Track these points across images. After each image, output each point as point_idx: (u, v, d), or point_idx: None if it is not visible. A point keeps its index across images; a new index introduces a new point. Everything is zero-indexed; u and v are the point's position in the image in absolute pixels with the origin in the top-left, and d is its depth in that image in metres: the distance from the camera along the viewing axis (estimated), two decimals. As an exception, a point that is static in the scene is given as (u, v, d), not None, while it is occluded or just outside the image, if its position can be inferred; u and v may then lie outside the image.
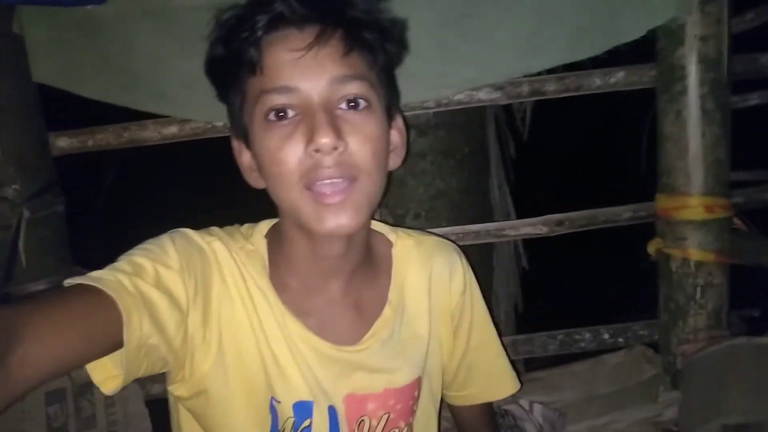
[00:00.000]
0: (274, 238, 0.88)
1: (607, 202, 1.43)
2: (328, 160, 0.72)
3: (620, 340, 1.46)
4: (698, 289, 1.30)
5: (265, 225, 0.90)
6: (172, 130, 1.35)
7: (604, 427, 1.34)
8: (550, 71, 1.35)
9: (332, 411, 0.85)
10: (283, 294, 0.84)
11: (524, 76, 1.33)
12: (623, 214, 1.41)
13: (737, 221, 1.32)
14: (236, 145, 0.85)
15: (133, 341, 0.66)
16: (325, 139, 0.71)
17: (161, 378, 1.43)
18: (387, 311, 0.90)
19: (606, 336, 1.47)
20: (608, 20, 1.22)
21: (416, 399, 0.92)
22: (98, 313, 0.63)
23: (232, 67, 0.77)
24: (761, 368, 1.12)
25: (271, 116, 0.74)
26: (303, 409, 0.83)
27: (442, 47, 1.28)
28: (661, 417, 1.31)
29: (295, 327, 0.83)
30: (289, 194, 0.75)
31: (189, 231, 0.82)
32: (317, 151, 0.71)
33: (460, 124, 1.62)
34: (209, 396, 0.80)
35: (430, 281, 0.93)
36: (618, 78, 1.34)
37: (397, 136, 0.87)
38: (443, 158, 1.61)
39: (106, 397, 1.34)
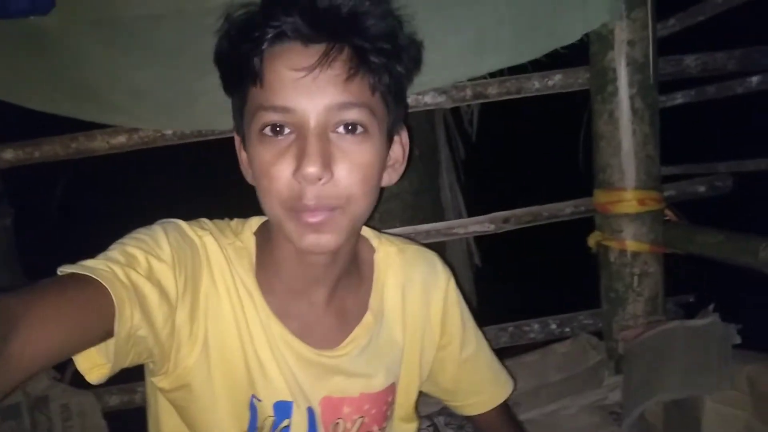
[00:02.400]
0: (263, 236, 0.88)
1: (553, 199, 1.50)
2: (310, 192, 0.72)
3: (567, 329, 1.53)
4: (635, 278, 1.38)
5: (255, 222, 0.90)
6: (121, 139, 1.35)
7: (554, 413, 1.40)
8: (492, 75, 1.41)
9: (311, 412, 0.86)
10: (268, 295, 0.85)
11: (468, 80, 1.38)
12: (565, 209, 1.48)
13: (669, 213, 1.41)
14: (237, 139, 0.85)
15: (123, 332, 0.66)
16: (311, 169, 0.70)
17: (119, 390, 1.44)
18: (368, 318, 0.91)
19: (554, 326, 1.54)
20: (547, 25, 1.28)
21: (390, 404, 0.94)
22: (93, 303, 0.63)
23: (236, 70, 0.76)
24: (693, 348, 1.20)
25: (267, 131, 0.73)
26: (283, 409, 0.84)
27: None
28: (606, 400, 1.38)
29: (277, 329, 0.84)
30: (275, 210, 0.76)
31: (182, 223, 0.82)
32: (303, 178, 0.71)
33: (410, 127, 1.66)
34: (191, 390, 0.81)
35: (404, 289, 0.94)
36: (555, 81, 1.41)
37: (398, 151, 0.87)
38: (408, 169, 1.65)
39: (63, 411, 1.33)
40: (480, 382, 1.05)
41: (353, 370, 0.88)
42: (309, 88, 0.71)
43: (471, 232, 1.49)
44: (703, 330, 1.22)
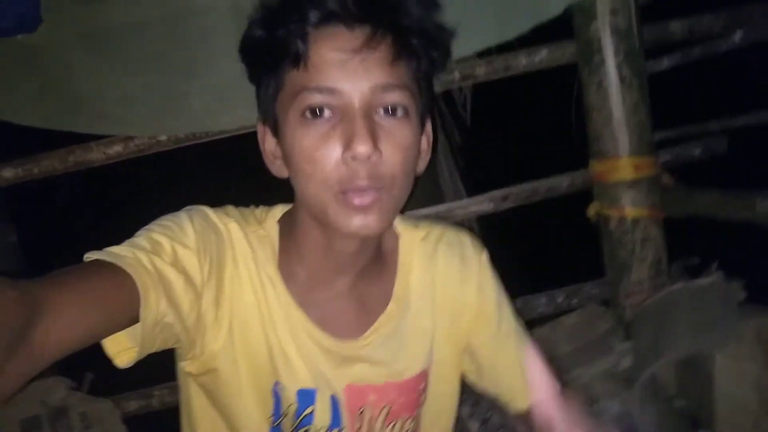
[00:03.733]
0: (287, 224, 0.87)
1: (551, 173, 1.51)
2: (363, 171, 0.72)
3: (574, 301, 1.54)
4: (637, 244, 1.39)
5: (279, 210, 0.89)
6: (117, 149, 1.36)
7: (568, 383, 1.41)
8: (479, 56, 1.41)
9: (334, 400, 0.86)
10: (290, 283, 0.84)
11: (455, 63, 1.39)
12: (563, 183, 1.49)
13: (665, 178, 1.42)
14: (261, 129, 0.84)
15: (150, 318, 0.66)
16: (362, 148, 0.70)
17: (137, 395, 1.46)
18: (391, 307, 0.89)
19: (560, 299, 1.55)
20: (528, 1, 1.30)
21: (422, 391, 0.92)
22: (117, 290, 0.63)
23: (274, 54, 0.75)
24: (698, 307, 1.21)
25: (308, 114, 0.73)
26: (306, 397, 0.84)
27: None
28: (618, 367, 1.39)
29: (298, 318, 0.84)
30: (320, 194, 0.74)
31: (207, 209, 0.82)
32: (353, 158, 0.71)
33: (434, 117, 1.67)
34: (218, 374, 0.81)
35: (435, 274, 0.92)
36: (542, 56, 1.42)
37: (425, 141, 0.86)
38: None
39: (82, 419, 1.35)
40: (522, 368, 0.96)
41: (377, 358, 0.87)
42: (356, 70, 0.72)
43: (471, 212, 1.50)
44: (707, 288, 1.23)
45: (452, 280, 0.92)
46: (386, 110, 0.74)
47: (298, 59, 0.73)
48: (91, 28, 1.26)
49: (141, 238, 0.72)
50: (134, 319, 0.65)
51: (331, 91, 0.72)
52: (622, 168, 1.35)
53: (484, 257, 0.95)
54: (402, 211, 1.46)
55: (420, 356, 0.90)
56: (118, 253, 0.67)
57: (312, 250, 0.84)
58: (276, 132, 0.80)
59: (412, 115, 0.76)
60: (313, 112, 0.73)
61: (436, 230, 0.95)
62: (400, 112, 0.74)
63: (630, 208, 1.37)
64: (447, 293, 0.92)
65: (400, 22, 0.75)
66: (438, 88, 1.44)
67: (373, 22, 0.73)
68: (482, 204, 1.50)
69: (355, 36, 0.72)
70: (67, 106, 1.29)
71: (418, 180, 0.84)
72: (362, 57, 0.72)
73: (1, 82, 1.26)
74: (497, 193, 1.49)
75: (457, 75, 1.41)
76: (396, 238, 0.93)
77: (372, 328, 0.88)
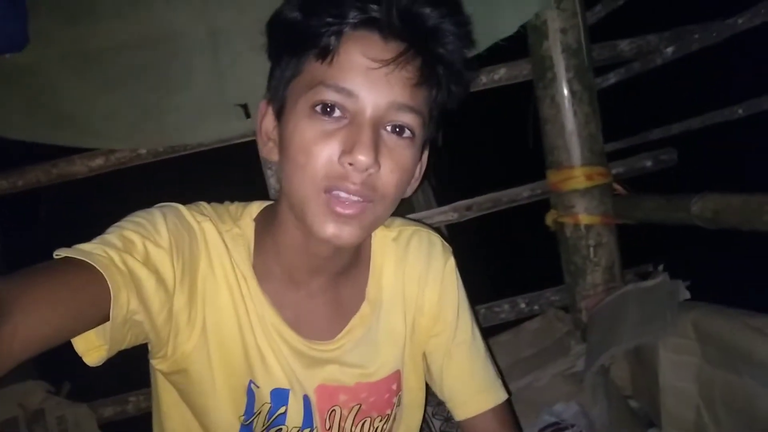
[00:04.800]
0: (264, 221, 0.86)
1: (515, 185, 1.59)
2: (357, 177, 0.71)
3: (536, 307, 1.61)
4: (591, 249, 1.47)
5: (256, 207, 0.88)
6: (98, 162, 1.43)
7: (527, 386, 1.47)
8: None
9: (306, 400, 0.86)
10: (264, 283, 0.84)
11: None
12: (523, 193, 1.57)
13: (617, 187, 1.50)
14: (264, 108, 0.83)
15: (120, 317, 0.65)
16: (363, 158, 0.70)
17: (112, 402, 1.50)
18: (365, 308, 0.90)
19: (523, 305, 1.61)
20: (485, 20, 1.37)
21: (395, 392, 0.92)
22: (88, 289, 0.63)
23: (302, 41, 0.74)
24: (643, 304, 1.27)
25: (318, 108, 0.72)
26: (280, 397, 0.85)
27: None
28: (574, 368, 1.45)
29: (271, 318, 0.84)
30: (305, 188, 0.73)
31: (181, 207, 0.81)
32: (351, 164, 0.71)
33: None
34: (189, 374, 0.81)
35: (404, 273, 0.92)
36: (501, 74, 1.52)
37: (418, 170, 0.86)
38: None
39: (59, 423, 1.39)
40: (468, 378, 0.97)
41: (348, 360, 0.88)
42: (380, 81, 0.72)
43: (436, 222, 1.58)
44: (653, 288, 1.30)
45: (418, 279, 0.93)
46: (394, 128, 0.74)
47: (326, 53, 0.72)
48: (75, 48, 1.35)
49: (112, 235, 0.71)
50: (104, 317, 0.65)
51: (349, 93, 0.72)
52: (576, 177, 1.43)
53: (451, 262, 0.96)
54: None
55: (392, 357, 0.91)
56: (89, 250, 0.66)
57: (289, 247, 0.83)
58: (279, 115, 0.79)
59: (417, 141, 0.76)
60: (324, 108, 0.72)
61: (408, 230, 0.95)
62: (406, 134, 0.75)
63: (583, 215, 1.45)
64: (412, 293, 0.93)
65: (434, 48, 0.75)
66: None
67: (409, 39, 0.73)
68: (447, 214, 1.57)
69: (388, 48, 0.72)
70: (52, 120, 1.37)
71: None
72: (388, 71, 0.72)
73: (-11, 99, 1.34)
74: (461, 204, 1.57)
75: (420, 91, 1.50)
76: (368, 237, 0.93)
77: (344, 330, 0.88)
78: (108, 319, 0.65)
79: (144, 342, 0.76)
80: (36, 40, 1.31)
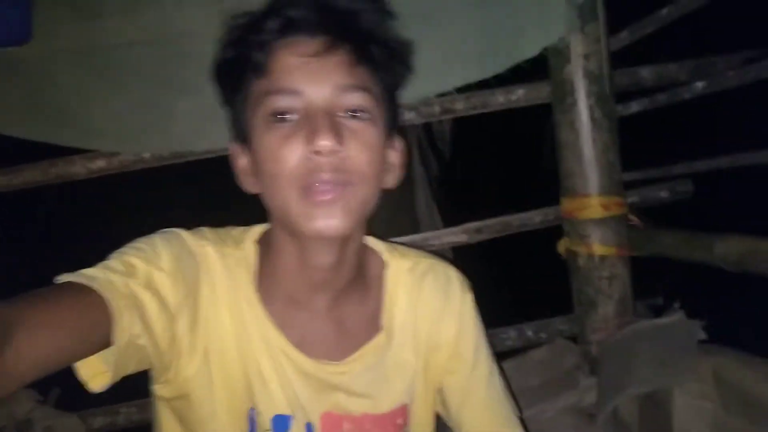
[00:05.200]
0: (264, 245, 0.87)
1: (525, 208, 1.55)
2: (326, 164, 0.73)
3: (543, 335, 1.57)
4: (604, 281, 1.43)
5: (257, 230, 0.89)
6: (100, 164, 1.38)
7: (533, 417, 1.42)
8: (459, 91, 1.46)
9: (309, 428, 0.85)
10: (269, 305, 0.84)
11: (436, 96, 1.44)
12: (534, 218, 1.53)
13: (633, 218, 1.46)
14: (233, 149, 0.86)
15: (123, 341, 0.66)
16: (324, 141, 0.71)
17: (102, 412, 1.44)
18: (380, 338, 0.89)
19: (530, 333, 1.57)
20: (508, 40, 1.35)
21: (401, 426, 0.91)
22: (90, 313, 0.64)
23: (239, 68, 0.78)
24: (659, 344, 1.23)
25: (274, 117, 0.75)
26: (281, 423, 0.83)
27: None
28: (582, 402, 1.41)
29: (277, 340, 0.83)
30: (283, 192, 0.74)
31: (182, 233, 0.82)
32: (317, 152, 0.72)
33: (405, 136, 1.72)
34: (191, 400, 0.80)
35: (417, 307, 0.91)
36: (518, 95, 1.48)
37: (395, 156, 0.87)
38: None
39: (45, 434, 1.33)
40: (487, 416, 0.96)
41: (356, 388, 0.86)
42: (317, 71, 0.75)
43: (445, 243, 1.53)
44: (668, 327, 1.26)
45: (433, 315, 0.92)
46: (350, 112, 0.76)
47: (260, 67, 0.76)
48: (81, 44, 1.29)
49: (114, 260, 0.72)
50: (107, 342, 0.66)
51: (294, 92, 0.75)
52: (592, 206, 1.40)
53: (469, 298, 0.95)
54: (383, 239, 1.50)
55: (401, 390, 0.90)
56: (91, 275, 0.67)
57: (288, 267, 0.83)
58: (246, 143, 0.82)
59: (375, 120, 0.79)
60: (279, 115, 0.75)
61: (424, 262, 0.94)
62: (364, 115, 0.77)
63: (598, 245, 1.41)
64: (426, 328, 0.92)
65: (358, 30, 0.79)
66: (417, 119, 1.49)
67: (332, 30, 0.77)
68: (456, 235, 1.53)
69: (317, 42, 0.76)
70: (52, 119, 1.31)
71: (398, 201, 0.86)
72: (323, 60, 0.75)
73: (-10, 94, 1.28)
74: (471, 226, 1.53)
75: (437, 108, 1.46)
76: (382, 265, 0.93)
77: (356, 354, 0.87)
78: (110, 344, 0.66)
79: (147, 368, 0.77)
80: (40, 35, 1.25)
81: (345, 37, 0.77)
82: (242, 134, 0.82)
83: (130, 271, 0.71)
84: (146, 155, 1.38)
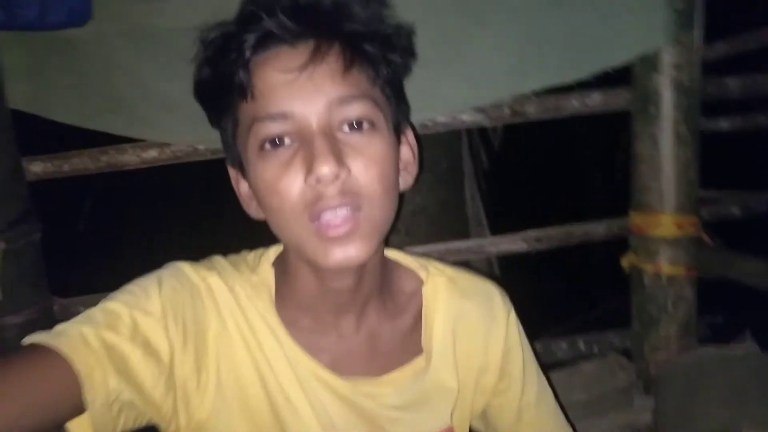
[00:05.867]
0: (281, 267, 0.81)
1: (574, 214, 1.49)
2: (331, 189, 0.66)
3: (595, 349, 1.53)
4: (669, 302, 1.38)
5: (273, 252, 0.84)
6: (152, 153, 1.31)
7: (581, 433, 1.40)
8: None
9: None
10: (293, 329, 0.79)
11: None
12: (599, 229, 1.47)
13: (705, 237, 1.40)
14: (233, 173, 0.80)
15: (98, 400, 0.62)
16: (325, 168, 0.65)
17: None
18: (420, 361, 0.83)
19: (582, 346, 1.53)
20: (595, 45, 1.26)
21: None
22: (52, 376, 0.60)
23: (222, 91, 0.71)
24: (730, 378, 1.20)
25: (267, 145, 0.68)
26: None
27: (428, 69, 1.28)
28: (637, 423, 1.38)
29: (307, 364, 0.78)
30: (292, 228, 0.69)
31: (184, 266, 0.77)
32: (318, 181, 0.66)
33: (439, 140, 1.64)
34: None
35: (458, 327, 0.85)
36: (595, 101, 1.39)
37: (407, 152, 0.81)
38: (422, 174, 1.63)
39: None
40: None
41: (394, 410, 0.81)
42: (305, 88, 0.67)
43: (502, 250, 1.48)
44: (739, 358, 1.22)
45: (477, 336, 0.86)
46: (351, 126, 0.69)
47: (244, 90, 0.68)
48: (138, 26, 1.20)
49: (97, 309, 0.68)
50: (81, 404, 0.62)
51: (283, 115, 0.67)
52: (665, 224, 1.33)
53: (513, 314, 0.89)
54: (430, 242, 1.43)
55: (444, 413, 0.84)
56: (60, 331, 0.64)
57: (307, 293, 0.79)
58: (243, 172, 0.76)
59: (380, 127, 0.71)
60: (271, 142, 0.68)
61: (462, 279, 0.88)
62: (365, 126, 0.69)
63: (667, 265, 1.35)
64: (469, 349, 0.86)
65: (346, 29, 0.70)
66: (486, 122, 1.40)
67: (315, 34, 0.68)
68: (515, 243, 1.47)
69: (299, 52, 0.68)
70: (105, 106, 1.24)
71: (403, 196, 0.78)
72: (309, 72, 0.67)
73: (40, 77, 1.20)
74: (531, 234, 1.47)
75: (507, 111, 1.38)
76: (418, 283, 0.87)
77: (393, 374, 0.82)
78: (85, 406, 0.62)
79: (147, 423, 0.71)
80: (98, 15, 1.16)
81: (331, 40, 0.69)
82: (237, 160, 0.76)
83: (110, 321, 0.66)
84: (200, 147, 1.31)
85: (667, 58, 1.27)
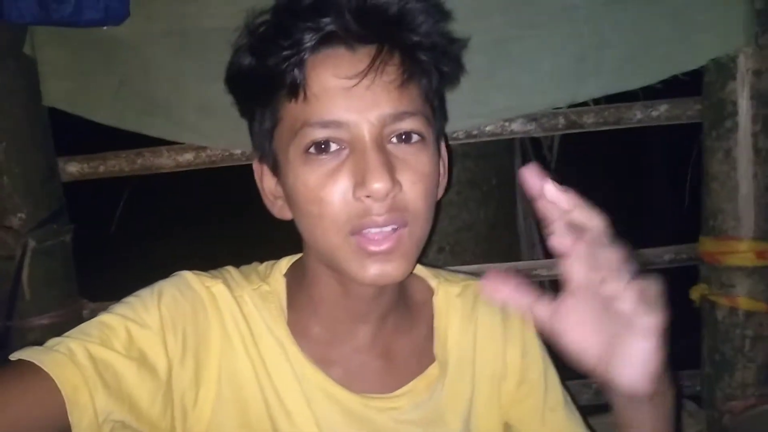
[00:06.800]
0: (295, 276, 0.79)
1: (638, 238, 1.34)
2: (380, 207, 0.64)
3: (658, 390, 1.36)
4: (747, 341, 1.21)
5: (285, 262, 0.82)
6: (188, 157, 1.28)
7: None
8: (585, 102, 1.27)
9: None
10: (303, 341, 0.76)
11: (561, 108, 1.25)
12: (664, 255, 1.32)
13: (789, 268, 1.23)
14: (258, 167, 0.77)
15: (85, 420, 0.59)
16: (379, 185, 0.62)
17: None
18: (433, 370, 0.80)
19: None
20: (662, 49, 1.15)
21: None
22: (38, 395, 0.58)
23: (267, 85, 0.68)
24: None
25: (312, 149, 0.66)
26: None
27: (476, 73, 1.20)
28: (706, 479, 1.21)
29: (315, 378, 0.75)
30: (329, 238, 0.66)
31: (188, 275, 0.75)
32: (369, 197, 0.63)
33: (489, 153, 1.55)
34: None
35: (475, 334, 0.83)
36: (660, 111, 1.26)
37: (441, 166, 0.78)
38: (470, 189, 1.54)
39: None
40: None
41: (407, 428, 0.77)
42: (361, 99, 0.64)
43: (556, 274, 1.35)
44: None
45: (494, 340, 0.83)
46: (399, 138, 0.67)
47: (296, 90, 0.65)
48: (178, 27, 1.19)
49: (92, 322, 0.66)
50: (67, 424, 0.59)
51: (337, 124, 0.64)
52: (742, 252, 1.18)
53: (531, 330, 0.85)
54: (477, 262, 1.32)
55: (457, 426, 0.80)
56: (50, 348, 0.62)
57: (326, 299, 0.76)
58: (275, 170, 0.73)
59: (428, 141, 0.69)
60: (318, 147, 0.65)
61: (473, 286, 0.85)
62: (415, 138, 0.68)
63: (745, 299, 1.19)
64: (488, 356, 0.83)
65: (408, 39, 0.67)
66: (538, 132, 1.30)
67: (377, 40, 0.66)
68: (570, 266, 1.34)
69: (359, 58, 0.65)
70: (142, 107, 1.22)
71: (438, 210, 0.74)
72: (368, 82, 0.64)
73: (80, 75, 1.20)
74: (587, 257, 1.33)
75: (561, 121, 1.27)
76: (429, 292, 0.85)
77: (405, 388, 0.78)
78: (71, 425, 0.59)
79: None
80: (136, 14, 1.15)
81: (392, 47, 0.66)
82: (269, 156, 0.73)
83: (104, 336, 0.64)
84: (236, 152, 1.27)
85: (745, 63, 1.13)
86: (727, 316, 1.22)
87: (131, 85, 1.20)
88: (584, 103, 1.25)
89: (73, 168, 1.28)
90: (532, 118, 1.26)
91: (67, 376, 0.59)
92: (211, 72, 1.21)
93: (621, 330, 0.53)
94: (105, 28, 1.14)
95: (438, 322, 0.83)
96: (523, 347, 0.84)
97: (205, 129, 1.24)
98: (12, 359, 0.60)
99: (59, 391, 0.58)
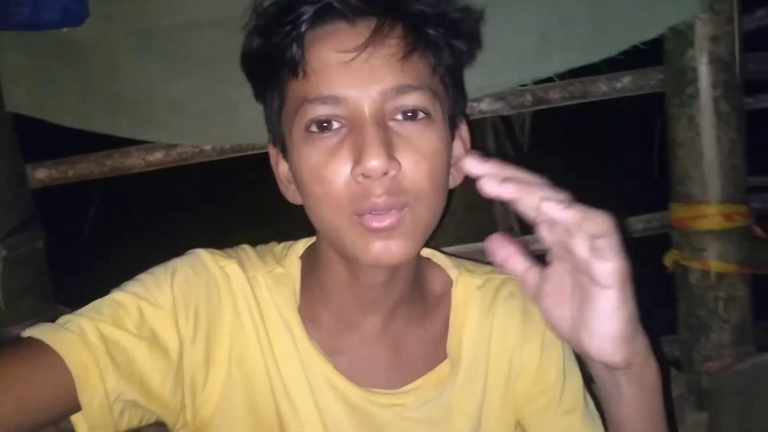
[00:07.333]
0: (309, 260, 0.78)
1: (617, 212, 1.37)
2: (378, 187, 0.62)
3: (639, 358, 1.39)
4: (720, 303, 1.23)
5: (302, 244, 0.80)
6: (158, 156, 1.27)
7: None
8: (551, 78, 1.28)
9: None
10: (312, 328, 0.75)
11: (527, 84, 1.26)
12: (637, 225, 1.34)
13: (757, 229, 1.26)
14: (273, 152, 0.76)
15: (95, 401, 0.59)
16: (374, 162, 0.60)
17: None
18: (444, 367, 0.78)
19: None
20: (624, 19, 1.16)
21: None
22: (49, 374, 0.58)
23: (271, 65, 0.67)
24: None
25: (313, 127, 0.64)
26: None
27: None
28: (689, 440, 1.23)
29: (320, 367, 0.74)
30: (333, 218, 0.65)
31: (202, 254, 0.74)
32: (365, 175, 0.62)
33: (469, 121, 1.56)
34: None
35: (492, 329, 0.80)
36: (624, 83, 1.28)
37: (459, 148, 0.75)
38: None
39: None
40: None
41: (411, 425, 0.75)
42: (361, 72, 0.63)
43: (533, 251, 1.36)
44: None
45: (511, 336, 0.80)
46: (404, 114, 0.65)
47: (295, 66, 0.64)
48: (140, 25, 1.18)
49: (106, 299, 0.66)
50: (78, 404, 0.60)
51: (335, 99, 0.63)
52: (711, 215, 1.20)
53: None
54: (460, 241, 1.33)
55: (465, 426, 0.78)
56: (61, 326, 0.61)
57: (336, 286, 0.74)
58: (285, 153, 0.72)
59: (436, 118, 0.66)
60: (319, 125, 0.64)
61: (496, 278, 0.83)
62: (420, 116, 0.65)
63: (716, 261, 1.22)
64: (504, 352, 0.80)
65: (411, 9, 0.65)
66: (505, 110, 1.31)
67: (377, 12, 0.64)
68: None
69: (359, 31, 0.63)
70: (108, 107, 1.21)
71: (451, 197, 0.72)
72: (367, 54, 0.63)
73: (43, 79, 1.19)
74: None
75: (528, 98, 1.28)
76: (448, 283, 0.82)
77: (413, 384, 0.76)
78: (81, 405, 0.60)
79: (156, 420, 0.69)
80: (96, 14, 1.14)
81: (394, 20, 0.64)
82: (280, 139, 0.72)
83: (116, 315, 0.64)
84: (207, 147, 1.27)
85: (703, 29, 1.15)
86: (700, 279, 1.24)
87: (97, 86, 1.20)
88: (549, 79, 1.26)
89: (41, 174, 1.27)
90: (499, 96, 1.27)
91: (77, 356, 0.59)
92: (178, 69, 1.22)
93: (587, 289, 0.52)
94: (64, 30, 1.13)
95: (454, 317, 0.80)
96: (542, 346, 0.80)
97: (175, 126, 1.23)
98: (22, 336, 0.60)
99: (69, 371, 0.58)
